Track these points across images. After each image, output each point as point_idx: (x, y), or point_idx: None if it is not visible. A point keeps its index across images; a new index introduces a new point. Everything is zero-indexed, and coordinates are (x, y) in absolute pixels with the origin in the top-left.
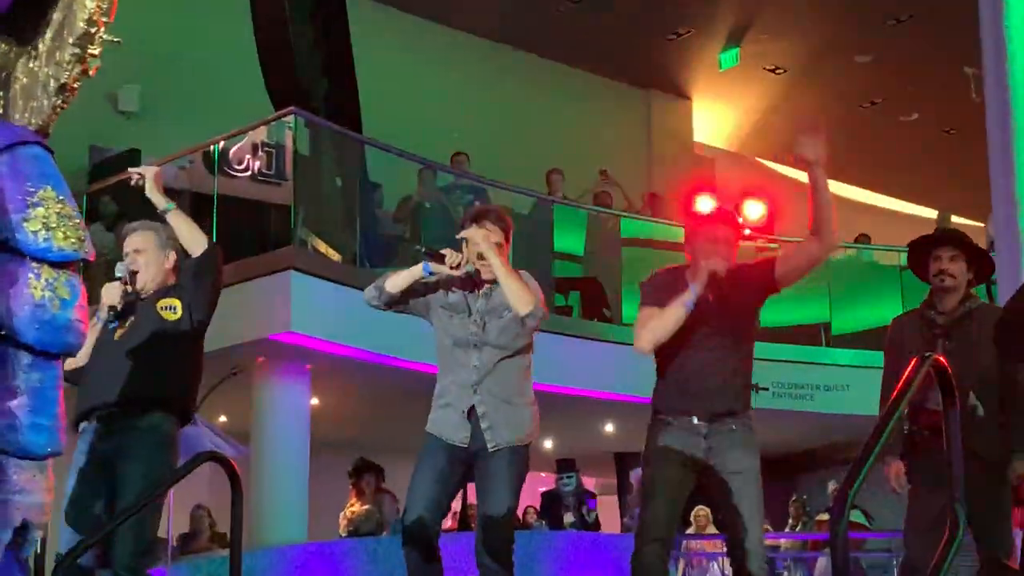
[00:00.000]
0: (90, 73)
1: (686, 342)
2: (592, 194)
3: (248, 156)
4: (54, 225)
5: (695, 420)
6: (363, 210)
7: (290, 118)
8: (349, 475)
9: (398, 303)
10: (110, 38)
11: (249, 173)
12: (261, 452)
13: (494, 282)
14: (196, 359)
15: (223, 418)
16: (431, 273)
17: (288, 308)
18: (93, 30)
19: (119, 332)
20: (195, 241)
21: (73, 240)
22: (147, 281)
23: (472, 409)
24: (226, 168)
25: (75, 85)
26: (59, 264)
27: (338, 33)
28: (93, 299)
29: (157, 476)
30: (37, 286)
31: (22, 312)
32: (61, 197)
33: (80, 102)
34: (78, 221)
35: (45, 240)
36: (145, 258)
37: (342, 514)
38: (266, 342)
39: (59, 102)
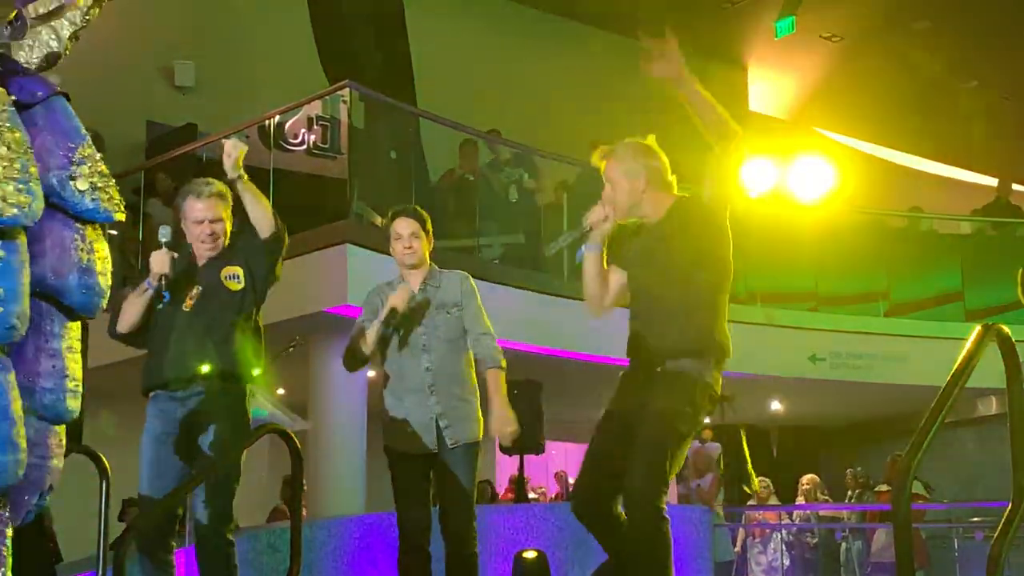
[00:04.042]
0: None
1: (637, 299)
2: None
3: (303, 130)
4: (100, 185)
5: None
6: (418, 183)
7: (345, 91)
8: None
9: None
10: None
11: (304, 147)
12: (319, 425)
13: (427, 278)
14: (259, 325)
15: (281, 391)
16: (395, 331)
17: (345, 281)
18: None
19: (188, 304)
20: (263, 217)
21: (116, 201)
22: (219, 248)
23: (433, 415)
24: (281, 142)
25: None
26: (97, 226)
27: (391, 5)
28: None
29: (238, 446)
30: (83, 248)
31: (70, 274)
32: (99, 155)
33: (137, 77)
34: (114, 181)
35: (93, 200)
36: (224, 226)
37: None
38: (323, 315)
39: (70, 45)
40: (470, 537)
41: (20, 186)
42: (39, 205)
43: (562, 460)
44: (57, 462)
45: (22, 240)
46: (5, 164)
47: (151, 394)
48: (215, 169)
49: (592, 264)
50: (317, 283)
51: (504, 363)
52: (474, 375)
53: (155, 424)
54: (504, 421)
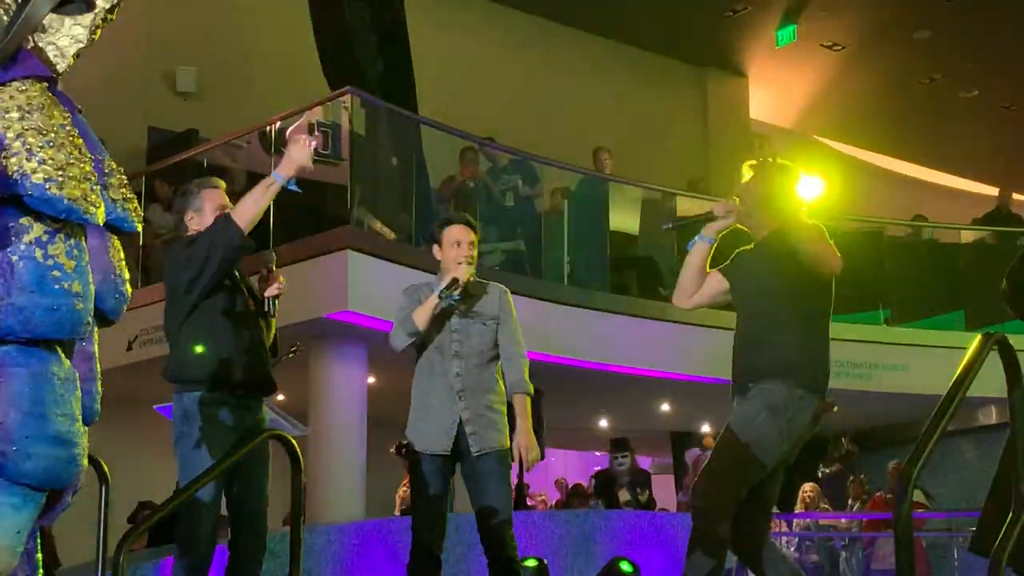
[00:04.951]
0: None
1: (737, 319)
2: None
3: (304, 136)
4: (128, 196)
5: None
6: (418, 189)
7: (346, 98)
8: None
9: None
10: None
11: None
12: (319, 431)
13: (475, 286)
14: None
15: (281, 396)
16: (458, 299)
17: (345, 287)
18: None
19: (257, 314)
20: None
21: (140, 215)
22: None
23: (457, 419)
24: (283, 148)
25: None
26: (120, 235)
27: (393, 12)
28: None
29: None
30: (113, 255)
31: (106, 279)
32: (121, 169)
33: (138, 83)
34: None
35: (123, 210)
36: None
37: (398, 493)
38: (323, 321)
39: (72, 62)
40: (509, 541)
41: (95, 187)
42: (104, 209)
43: (562, 467)
44: (86, 463)
45: (85, 242)
46: (81, 165)
47: (211, 396)
48: (215, 175)
49: (698, 256)
50: (318, 289)
51: (532, 389)
52: (503, 386)
53: (226, 433)
54: (528, 447)
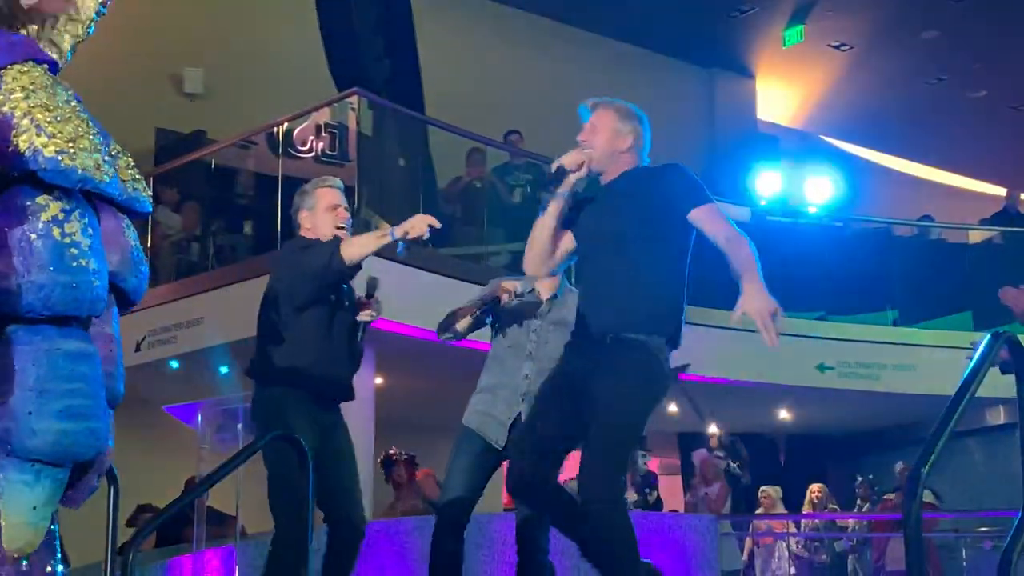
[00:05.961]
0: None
1: (583, 270)
2: None
3: (311, 137)
4: (138, 176)
5: None
6: (426, 190)
7: (353, 99)
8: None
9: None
10: None
11: (312, 154)
12: None
13: (554, 296)
14: None
15: None
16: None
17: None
18: None
19: (352, 328)
20: None
21: (149, 195)
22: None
23: (517, 417)
24: (290, 149)
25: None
26: (134, 216)
27: (401, 13)
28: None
29: None
30: (129, 235)
31: (125, 259)
32: (127, 152)
33: (145, 84)
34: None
35: (134, 190)
36: None
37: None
38: None
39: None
40: (544, 544)
41: (106, 158)
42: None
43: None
44: (112, 444)
45: (99, 222)
46: (92, 136)
47: (296, 391)
48: (223, 176)
49: (552, 217)
50: None
51: None
52: None
53: (310, 427)
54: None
